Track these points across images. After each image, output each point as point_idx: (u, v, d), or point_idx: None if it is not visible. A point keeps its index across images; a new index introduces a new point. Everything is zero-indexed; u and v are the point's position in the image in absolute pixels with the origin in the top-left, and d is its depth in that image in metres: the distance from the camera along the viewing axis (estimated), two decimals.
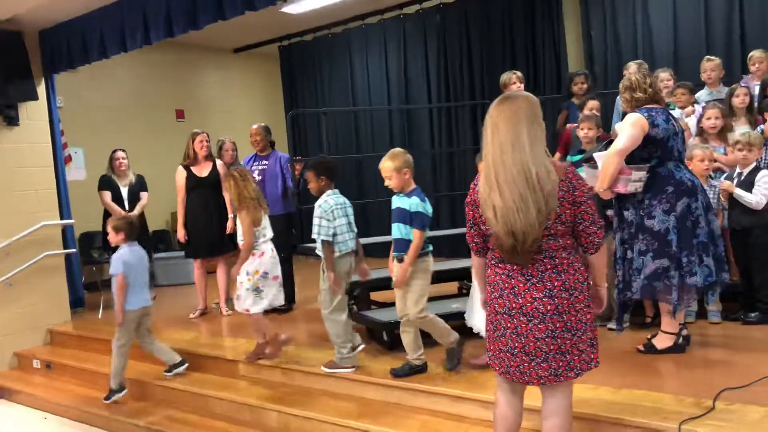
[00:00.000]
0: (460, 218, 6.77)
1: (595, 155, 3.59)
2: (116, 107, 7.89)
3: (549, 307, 2.20)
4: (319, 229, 3.63)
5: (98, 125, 7.62)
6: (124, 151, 6.19)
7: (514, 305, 2.25)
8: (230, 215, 5.57)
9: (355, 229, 3.86)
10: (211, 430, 3.83)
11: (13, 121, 5.53)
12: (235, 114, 8.75)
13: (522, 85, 5.06)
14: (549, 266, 2.21)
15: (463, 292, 5.03)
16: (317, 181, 3.78)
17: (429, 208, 3.49)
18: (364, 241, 5.94)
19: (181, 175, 5.49)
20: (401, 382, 3.54)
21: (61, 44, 5.49)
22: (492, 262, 2.35)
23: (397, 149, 3.61)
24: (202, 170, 5.51)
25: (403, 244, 3.46)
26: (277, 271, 4.14)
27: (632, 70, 4.83)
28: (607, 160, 3.35)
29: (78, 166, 7.44)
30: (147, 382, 4.47)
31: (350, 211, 3.82)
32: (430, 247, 3.54)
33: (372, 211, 7.73)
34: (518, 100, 2.26)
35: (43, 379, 5.28)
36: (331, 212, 3.67)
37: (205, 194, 5.46)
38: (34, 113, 5.72)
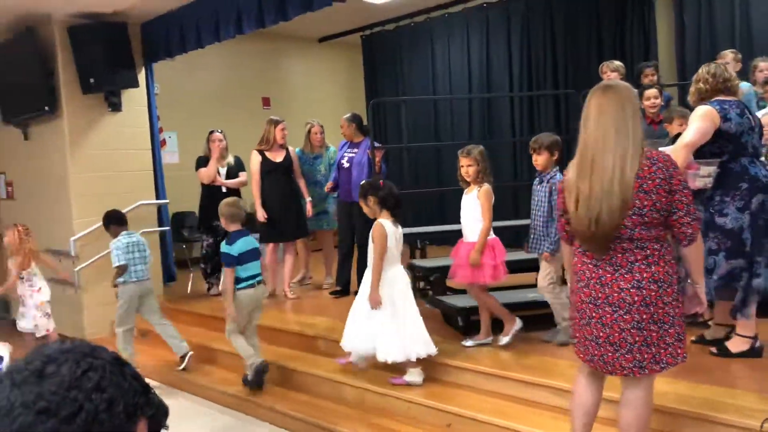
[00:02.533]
0: None
1: (663, 150, 3.51)
2: (207, 94, 8.26)
3: (636, 298, 2.18)
4: None
5: (190, 111, 8.00)
6: (221, 132, 6.24)
7: (600, 295, 2.24)
8: (307, 199, 5.77)
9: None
10: (294, 402, 4.04)
11: (116, 107, 5.93)
12: (318, 102, 8.97)
13: (614, 75, 4.97)
14: (639, 257, 2.19)
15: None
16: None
17: None
18: (441, 228, 6.08)
19: (256, 159, 5.60)
20: (473, 365, 3.61)
21: (161, 35, 5.84)
22: (579, 250, 2.35)
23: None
24: (277, 156, 5.63)
25: None
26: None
27: (728, 59, 4.63)
28: (674, 154, 3.26)
29: (172, 149, 7.87)
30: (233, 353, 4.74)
31: None
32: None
33: (449, 200, 7.76)
34: (622, 89, 2.28)
35: (139, 345, 5.68)
36: None
37: (279, 179, 5.59)
38: (134, 100, 6.11)
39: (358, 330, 3.70)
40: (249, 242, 4.10)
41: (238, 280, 4.03)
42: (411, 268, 5.07)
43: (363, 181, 4.11)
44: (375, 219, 3.74)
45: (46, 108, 5.63)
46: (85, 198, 5.84)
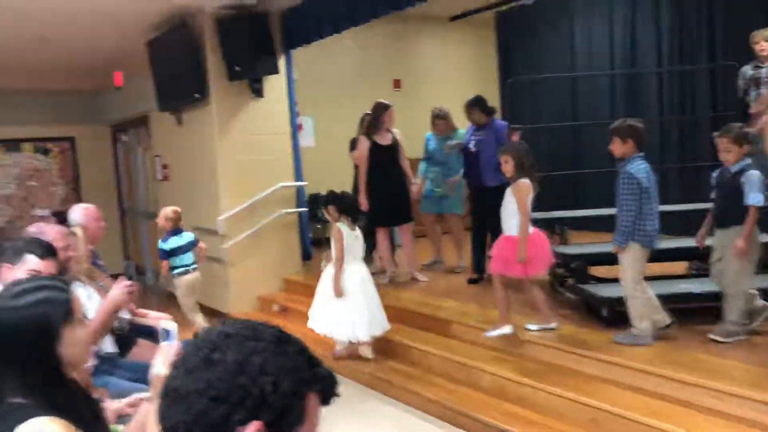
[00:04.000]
0: (691, 193, 6.19)
1: None
2: (340, 78, 8.41)
3: None
4: None
5: (325, 96, 8.20)
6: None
7: None
8: (413, 181, 5.70)
9: None
10: (429, 384, 4.05)
11: (258, 93, 6.21)
12: (448, 83, 8.85)
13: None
14: None
15: (692, 273, 4.66)
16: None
17: None
18: (580, 213, 5.81)
19: (365, 144, 5.53)
20: (622, 359, 3.42)
21: (300, 22, 6.01)
22: None
23: None
24: (384, 140, 5.56)
25: None
26: None
27: None
28: None
29: (308, 133, 8.13)
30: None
31: None
32: None
33: (589, 182, 7.39)
34: None
35: (280, 321, 5.97)
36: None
37: (387, 163, 5.54)
38: (275, 86, 6.36)
39: (320, 315, 4.49)
40: (182, 239, 5.11)
41: (174, 268, 5.08)
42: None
43: (328, 191, 4.79)
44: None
45: (197, 95, 6.01)
46: (231, 179, 6.20)
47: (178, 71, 6.17)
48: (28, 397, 1.45)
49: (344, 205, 4.50)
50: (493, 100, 7.52)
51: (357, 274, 4.49)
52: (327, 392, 0.96)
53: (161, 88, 6.60)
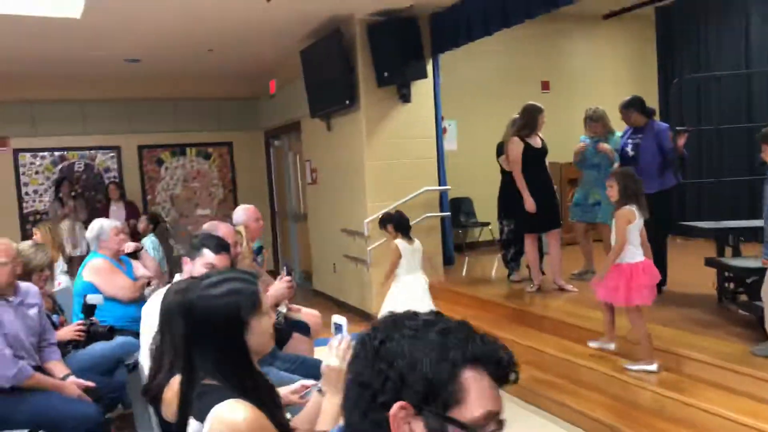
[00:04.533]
0: None
1: None
2: (485, 80, 8.31)
3: None
4: None
5: (468, 98, 8.14)
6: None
7: None
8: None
9: None
10: (578, 396, 3.86)
11: (406, 98, 6.28)
12: (602, 84, 8.44)
13: None
14: None
15: None
16: None
17: None
18: (753, 224, 5.28)
19: (518, 146, 5.36)
20: None
21: (449, 25, 6.01)
22: None
23: None
24: (536, 142, 5.42)
25: None
26: None
27: None
28: None
29: (451, 137, 8.12)
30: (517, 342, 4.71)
31: None
32: None
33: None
34: None
35: None
36: None
37: (539, 167, 5.39)
38: (422, 90, 6.40)
39: None
40: None
41: None
42: (718, 266, 4.50)
43: (385, 212, 5.18)
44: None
45: (347, 102, 6.20)
46: (378, 183, 6.32)
47: (329, 78, 6.41)
48: (220, 380, 1.54)
49: (400, 223, 4.90)
50: (651, 100, 7.06)
51: (417, 284, 4.88)
52: (492, 371, 0.95)
53: (313, 95, 6.89)
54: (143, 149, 9.32)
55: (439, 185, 6.62)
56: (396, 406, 0.92)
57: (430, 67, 6.36)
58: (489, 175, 7.87)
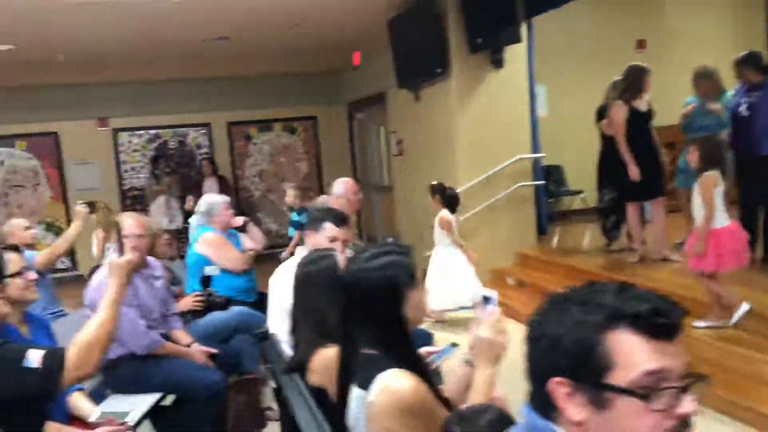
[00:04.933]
0: None
1: None
2: (574, 42, 7.99)
3: None
4: None
5: (557, 62, 7.84)
6: None
7: None
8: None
9: None
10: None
11: (498, 64, 6.13)
12: (703, 42, 7.96)
13: None
14: None
15: None
16: None
17: None
18: None
19: (622, 110, 5.11)
20: None
21: None
22: None
23: None
24: (642, 105, 5.14)
25: None
26: None
27: None
28: None
29: (540, 103, 7.88)
30: None
31: None
32: None
33: None
34: None
35: (515, 293, 5.92)
36: None
37: (644, 131, 5.12)
38: (514, 56, 6.22)
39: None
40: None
41: None
42: None
43: (438, 183, 5.52)
44: None
45: (439, 70, 6.11)
46: (468, 153, 6.23)
47: (418, 48, 6.32)
48: (380, 350, 1.56)
49: (451, 199, 5.38)
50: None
51: (453, 257, 5.48)
52: (638, 326, 0.89)
53: (401, 65, 6.83)
54: (232, 126, 9.57)
55: (533, 153, 6.45)
56: (552, 382, 0.92)
57: (523, 31, 6.16)
58: (580, 142, 7.64)
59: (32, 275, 2.39)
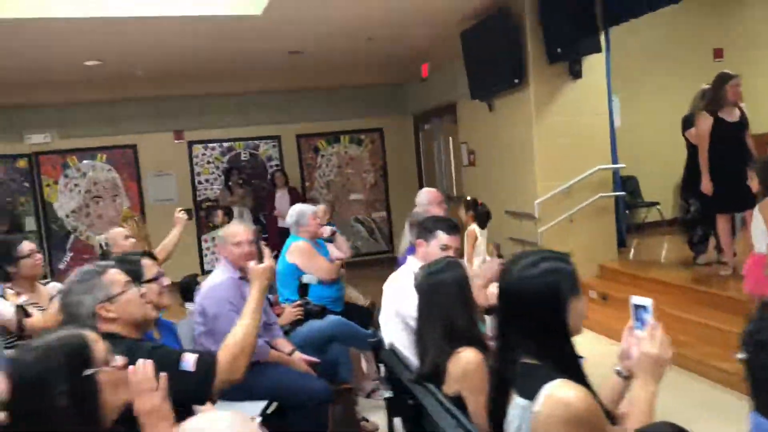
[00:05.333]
0: None
1: None
2: (650, 51, 7.83)
3: None
4: None
5: (632, 71, 7.69)
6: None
7: None
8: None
9: None
10: None
11: (576, 74, 6.06)
12: None
13: None
14: None
15: None
16: None
17: None
18: None
19: (707, 121, 4.98)
20: None
21: None
22: None
23: None
24: (730, 116, 4.97)
25: None
26: None
27: None
28: None
29: (615, 113, 7.74)
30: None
31: None
32: None
33: None
34: None
35: (599, 307, 5.78)
36: None
37: (733, 142, 4.94)
38: (593, 65, 6.14)
39: None
40: None
41: None
42: None
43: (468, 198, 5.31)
44: None
45: (516, 81, 6.07)
46: (547, 163, 6.16)
47: (493, 58, 6.29)
48: (543, 360, 1.55)
49: (482, 215, 5.13)
50: None
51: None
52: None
53: (474, 76, 6.82)
54: (300, 138, 9.73)
55: (612, 163, 6.33)
56: None
57: (602, 41, 6.07)
58: (656, 152, 7.48)
59: (166, 281, 2.47)
